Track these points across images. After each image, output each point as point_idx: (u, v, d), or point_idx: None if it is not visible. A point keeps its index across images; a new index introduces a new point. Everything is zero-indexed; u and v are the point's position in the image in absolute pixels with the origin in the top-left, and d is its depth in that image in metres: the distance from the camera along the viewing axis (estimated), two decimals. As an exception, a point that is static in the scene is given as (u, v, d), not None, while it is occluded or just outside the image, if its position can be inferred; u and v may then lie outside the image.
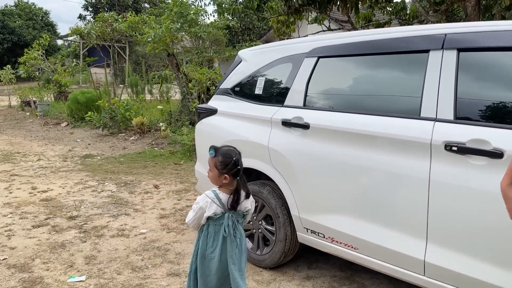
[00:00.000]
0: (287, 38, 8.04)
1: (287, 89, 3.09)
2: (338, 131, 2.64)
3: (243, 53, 3.71)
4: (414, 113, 2.34)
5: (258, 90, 3.34)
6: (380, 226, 2.46)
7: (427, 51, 2.36)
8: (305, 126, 2.83)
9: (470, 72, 2.22)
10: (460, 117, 2.17)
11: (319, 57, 2.94)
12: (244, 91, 3.50)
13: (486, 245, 2.06)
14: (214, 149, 2.24)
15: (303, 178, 2.84)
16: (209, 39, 10.19)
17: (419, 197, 2.26)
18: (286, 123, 2.97)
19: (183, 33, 9.32)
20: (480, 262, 2.08)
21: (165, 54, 9.76)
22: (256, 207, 3.21)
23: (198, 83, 8.22)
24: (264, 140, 3.09)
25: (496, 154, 1.99)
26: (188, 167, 7.05)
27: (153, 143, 8.79)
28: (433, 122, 2.25)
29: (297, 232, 3.00)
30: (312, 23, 12.01)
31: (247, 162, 3.01)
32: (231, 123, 3.46)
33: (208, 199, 2.22)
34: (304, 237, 2.95)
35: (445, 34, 2.31)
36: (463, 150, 2.10)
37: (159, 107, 11.18)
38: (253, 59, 3.55)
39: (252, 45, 10.57)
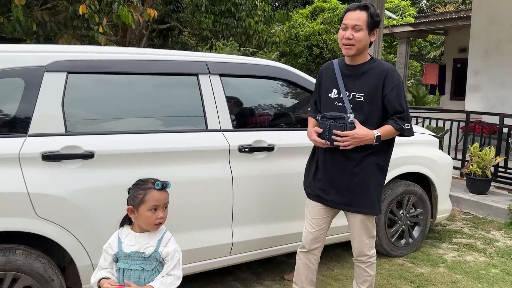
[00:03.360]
0: None
1: (27, 114, 2.30)
2: (136, 154, 2.49)
3: None
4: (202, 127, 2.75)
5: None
6: (187, 232, 2.67)
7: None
8: (87, 156, 2.36)
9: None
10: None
11: (68, 73, 2.44)
12: None
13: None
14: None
15: (96, 217, 2.38)
16: None
17: (226, 195, 2.75)
18: (51, 157, 2.28)
19: None
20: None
21: None
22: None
23: None
24: (16, 186, 2.18)
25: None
26: None
27: None
28: (221, 132, 2.78)
29: (83, 286, 2.44)
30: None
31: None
32: None
33: None
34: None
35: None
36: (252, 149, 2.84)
37: None
38: None
39: None
